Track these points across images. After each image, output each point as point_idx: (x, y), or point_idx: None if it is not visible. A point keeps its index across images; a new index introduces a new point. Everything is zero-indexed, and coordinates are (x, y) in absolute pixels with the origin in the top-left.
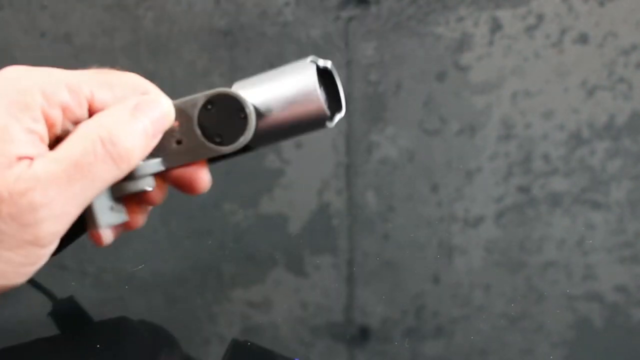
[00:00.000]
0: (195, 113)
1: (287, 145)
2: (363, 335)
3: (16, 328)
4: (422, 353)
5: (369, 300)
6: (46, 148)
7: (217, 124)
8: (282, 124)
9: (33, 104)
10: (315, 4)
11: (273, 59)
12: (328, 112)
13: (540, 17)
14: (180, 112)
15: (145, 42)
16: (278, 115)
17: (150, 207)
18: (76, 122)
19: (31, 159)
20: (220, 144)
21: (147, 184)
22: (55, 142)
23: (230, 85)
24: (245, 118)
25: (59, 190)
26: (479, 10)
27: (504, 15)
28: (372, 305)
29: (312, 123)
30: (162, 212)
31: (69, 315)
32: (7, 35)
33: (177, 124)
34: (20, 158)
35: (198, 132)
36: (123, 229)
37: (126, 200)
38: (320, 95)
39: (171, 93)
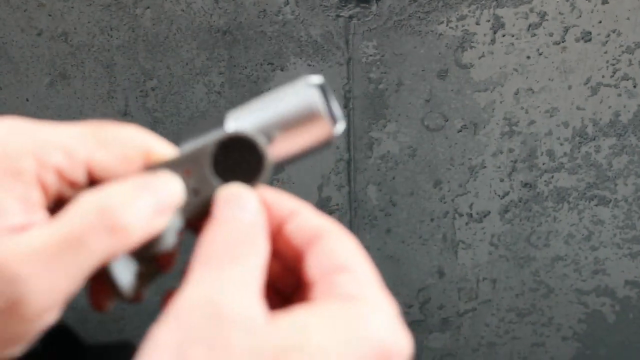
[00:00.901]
0: (209, 159)
1: None
2: None
3: None
4: (428, 346)
5: None
6: (43, 214)
7: (232, 166)
8: (288, 150)
9: (25, 170)
10: (315, 3)
11: (272, 58)
12: (335, 130)
13: (542, 15)
14: (193, 161)
15: (143, 41)
16: (283, 141)
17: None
18: (73, 185)
19: (25, 228)
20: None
21: (169, 244)
22: (54, 206)
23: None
24: (262, 155)
25: (48, 263)
26: (481, 9)
27: (506, 13)
28: None
29: (318, 143)
30: None
31: None
32: (3, 34)
33: (189, 172)
34: (13, 229)
35: (215, 179)
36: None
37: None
38: (325, 114)
39: (169, 92)
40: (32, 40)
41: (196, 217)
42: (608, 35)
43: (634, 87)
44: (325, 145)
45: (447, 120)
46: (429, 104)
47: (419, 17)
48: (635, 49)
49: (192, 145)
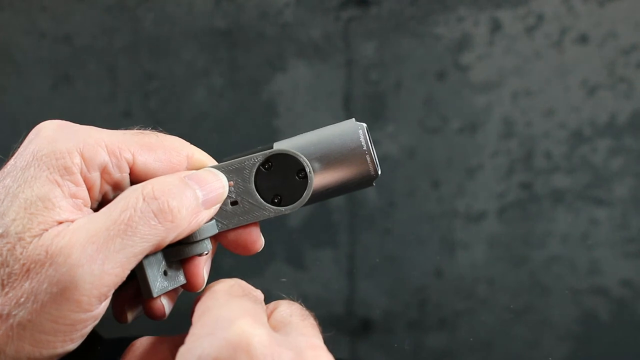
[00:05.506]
0: (251, 174)
1: None
2: (365, 327)
3: None
4: (425, 345)
5: (370, 293)
6: (89, 212)
7: (274, 184)
8: (329, 183)
9: (73, 167)
10: (315, 5)
11: (273, 60)
12: (376, 171)
13: (540, 18)
14: (235, 172)
15: (145, 43)
16: (326, 174)
17: (206, 266)
18: (114, 186)
19: (72, 221)
20: (279, 204)
21: (204, 248)
22: (97, 207)
23: (272, 142)
24: (304, 178)
25: (97, 247)
26: (479, 11)
27: (504, 15)
28: (373, 298)
29: (359, 182)
30: None
31: None
32: (7, 36)
33: (231, 184)
34: (61, 222)
35: (255, 193)
36: (180, 292)
37: (183, 262)
38: (369, 156)
39: (171, 93)
40: (35, 43)
41: (229, 228)
42: (605, 38)
43: (630, 89)
44: (362, 183)
45: (446, 122)
46: (427, 105)
47: (419, 18)
48: (631, 51)
49: (239, 159)
